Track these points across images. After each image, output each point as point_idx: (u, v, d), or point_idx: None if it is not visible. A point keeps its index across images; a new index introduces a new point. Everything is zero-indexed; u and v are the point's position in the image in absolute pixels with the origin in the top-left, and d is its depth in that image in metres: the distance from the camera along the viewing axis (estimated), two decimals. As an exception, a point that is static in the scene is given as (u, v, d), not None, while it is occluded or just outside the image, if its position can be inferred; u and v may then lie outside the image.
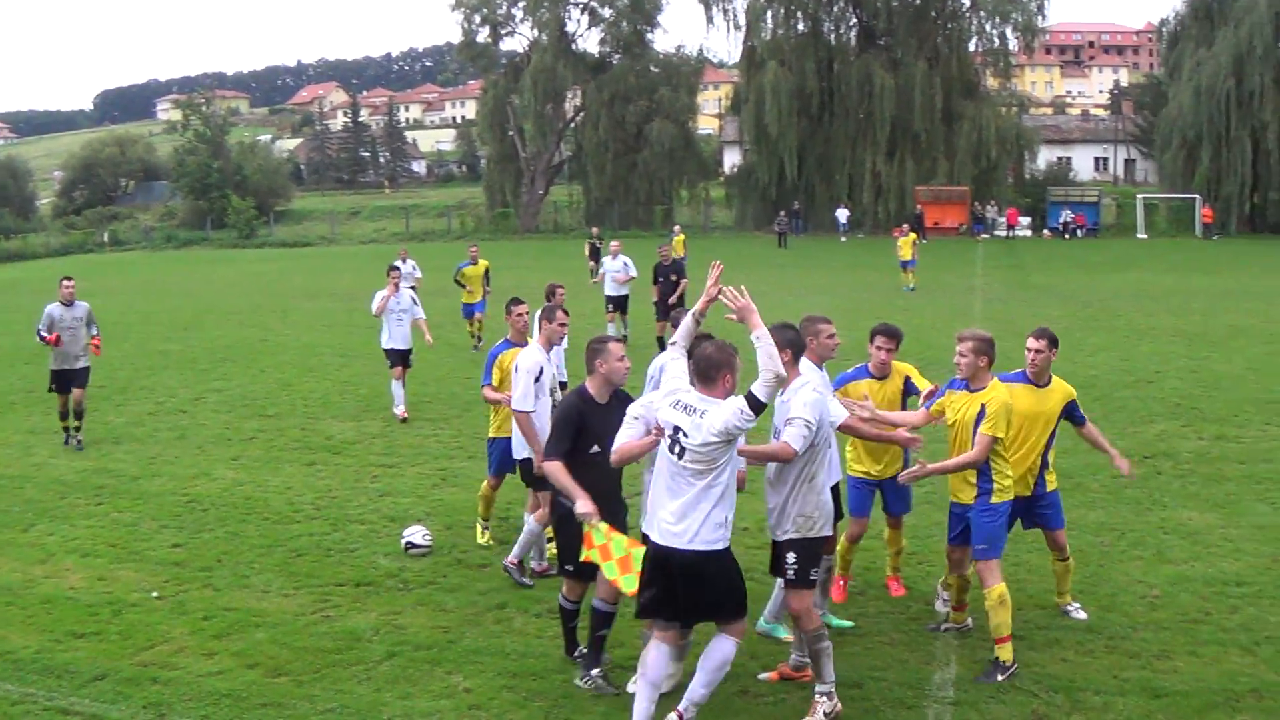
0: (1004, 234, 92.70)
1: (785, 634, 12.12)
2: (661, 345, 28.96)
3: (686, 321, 10.65)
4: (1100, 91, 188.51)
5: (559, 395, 14.10)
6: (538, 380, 13.64)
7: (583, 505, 10.76)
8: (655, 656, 10.04)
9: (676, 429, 9.82)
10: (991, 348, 11.80)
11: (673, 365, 10.36)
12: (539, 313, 14.42)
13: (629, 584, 10.38)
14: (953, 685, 11.40)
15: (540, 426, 13.39)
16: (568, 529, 11.39)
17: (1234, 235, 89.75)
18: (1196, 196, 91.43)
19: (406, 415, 24.18)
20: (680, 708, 9.97)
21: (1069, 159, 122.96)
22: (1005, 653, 11.47)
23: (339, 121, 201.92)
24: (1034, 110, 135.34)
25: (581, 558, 10.99)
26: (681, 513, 9.74)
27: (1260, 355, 31.40)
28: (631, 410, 10.59)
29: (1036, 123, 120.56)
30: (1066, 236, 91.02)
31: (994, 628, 11.56)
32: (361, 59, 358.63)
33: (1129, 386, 26.71)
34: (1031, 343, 12.69)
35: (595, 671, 11.33)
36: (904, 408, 13.21)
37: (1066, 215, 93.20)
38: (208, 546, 16.10)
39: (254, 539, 16.39)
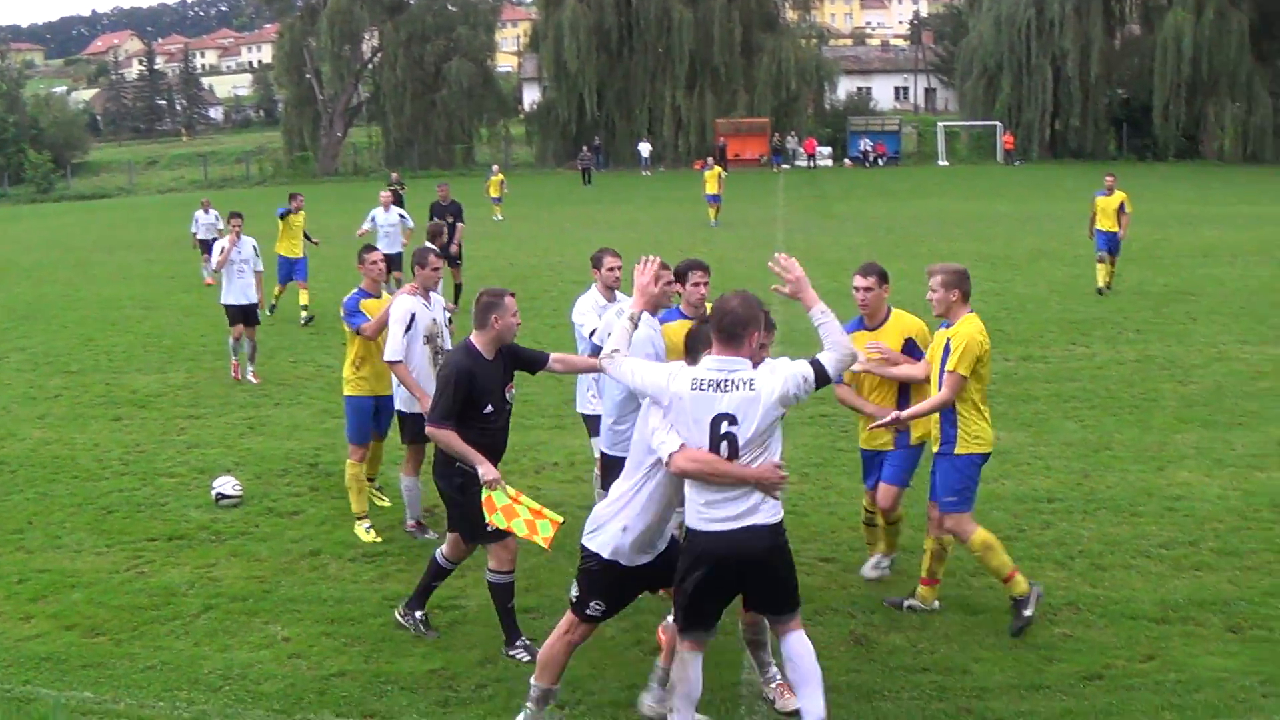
0: (805, 164, 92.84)
1: None
2: (458, 293, 28.39)
3: (624, 325, 9.01)
4: (900, 22, 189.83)
5: (443, 342, 13.57)
6: (409, 329, 13.13)
7: (486, 470, 10.10)
8: (696, 671, 8.61)
9: (719, 418, 8.14)
10: (964, 280, 10.95)
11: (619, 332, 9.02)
12: (414, 264, 13.75)
13: (545, 529, 9.96)
14: None
15: (415, 376, 13.11)
16: (472, 499, 10.32)
17: (1035, 161, 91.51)
18: (997, 124, 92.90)
19: (257, 379, 22.14)
20: None
21: (869, 89, 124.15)
22: (1018, 588, 10.84)
23: (135, 70, 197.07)
24: (834, 42, 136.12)
25: (486, 520, 10.27)
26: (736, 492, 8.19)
27: (1063, 278, 32.00)
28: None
29: (836, 54, 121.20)
30: (868, 165, 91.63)
31: (994, 572, 10.94)
32: (156, 5, 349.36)
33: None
34: (859, 280, 11.59)
35: (419, 614, 11.08)
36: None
37: (867, 144, 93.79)
38: (17, 508, 15.37)
39: (64, 498, 15.72)
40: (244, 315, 22.22)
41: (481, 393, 10.27)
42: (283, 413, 19.77)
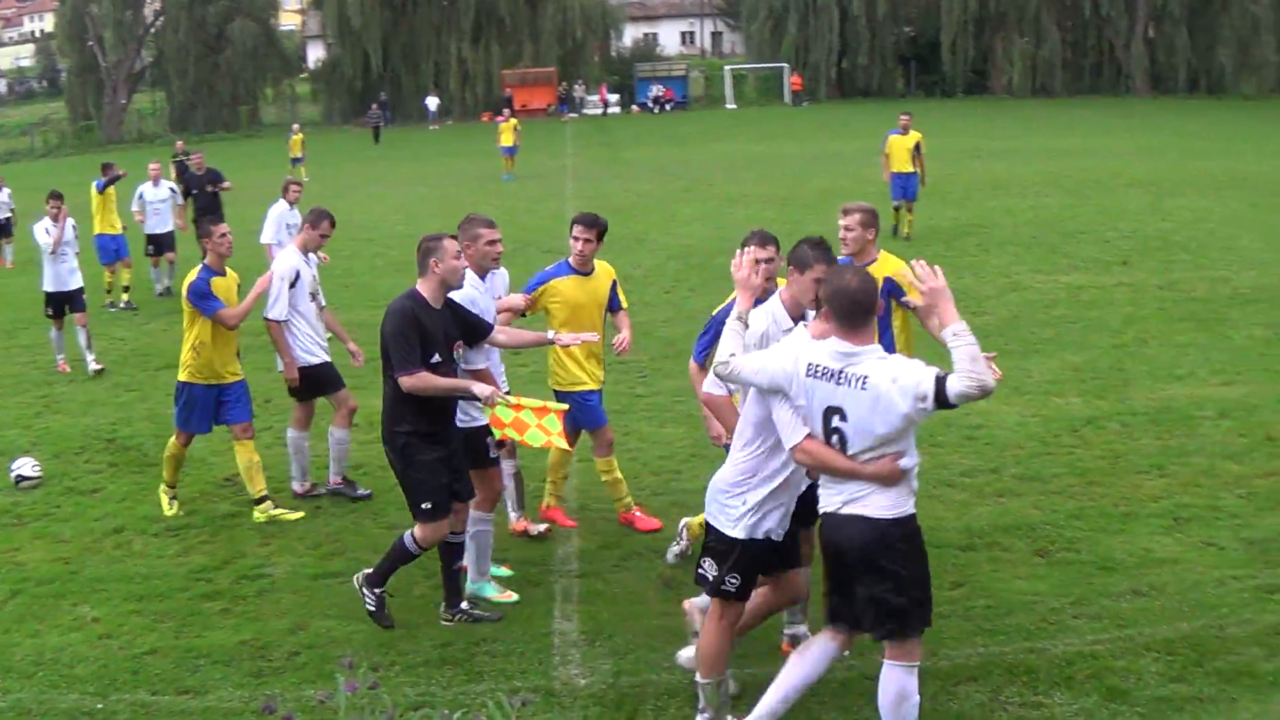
0: (594, 112, 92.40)
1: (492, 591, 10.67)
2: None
3: (734, 328, 7.83)
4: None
5: (321, 298, 13.50)
6: (293, 286, 12.93)
7: (479, 388, 9.63)
8: (814, 653, 7.87)
9: (830, 411, 7.38)
10: (877, 219, 10.53)
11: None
12: (305, 222, 13.60)
13: (553, 424, 9.80)
14: (576, 558, 11.38)
15: (305, 332, 13.06)
16: (418, 469, 9.80)
17: (823, 101, 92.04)
18: (784, 65, 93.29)
19: (100, 365, 20.09)
20: None
21: (655, 35, 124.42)
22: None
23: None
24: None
25: (498, 437, 10.20)
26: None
27: None
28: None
29: (622, 1, 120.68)
30: (656, 111, 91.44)
31: None
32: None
33: (724, 253, 25.69)
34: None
35: (464, 605, 10.28)
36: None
37: (656, 90, 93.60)
38: None
39: None
40: (69, 301, 20.22)
41: (428, 341, 9.66)
42: (78, 389, 19.04)
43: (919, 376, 7.10)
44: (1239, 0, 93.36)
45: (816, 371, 7.30)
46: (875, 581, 7.36)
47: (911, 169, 28.96)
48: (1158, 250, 25.44)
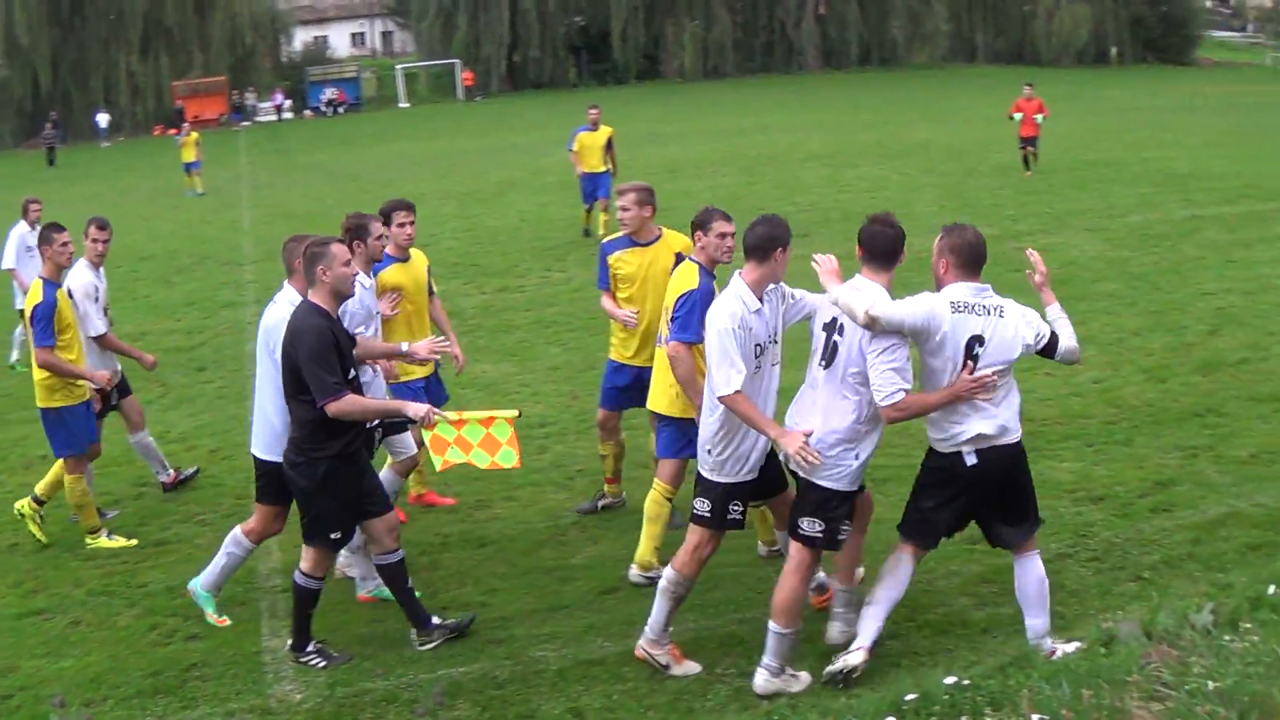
0: (267, 119, 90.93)
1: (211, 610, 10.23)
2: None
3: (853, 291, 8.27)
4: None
5: (111, 314, 13.10)
6: (96, 301, 12.45)
7: (414, 408, 9.12)
8: (907, 572, 8.70)
9: (973, 340, 8.20)
10: (653, 196, 11.04)
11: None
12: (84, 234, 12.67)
13: (508, 458, 9.45)
14: (280, 573, 11.04)
15: (106, 350, 12.56)
16: (334, 497, 9.07)
17: (496, 95, 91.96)
18: (456, 61, 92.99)
19: None
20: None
21: (326, 38, 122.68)
22: None
23: None
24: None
25: (439, 466, 9.52)
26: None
27: (531, 208, 32.21)
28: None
29: (291, 4, 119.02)
30: (330, 115, 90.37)
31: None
32: None
33: None
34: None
35: (311, 648, 9.48)
36: None
37: (328, 93, 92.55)
38: None
39: None
40: None
41: (345, 358, 8.93)
42: None
43: (1040, 321, 8.44)
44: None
45: (961, 306, 8.14)
46: (1018, 496, 8.48)
47: (604, 168, 27.23)
48: (837, 221, 26.00)
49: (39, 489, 12.36)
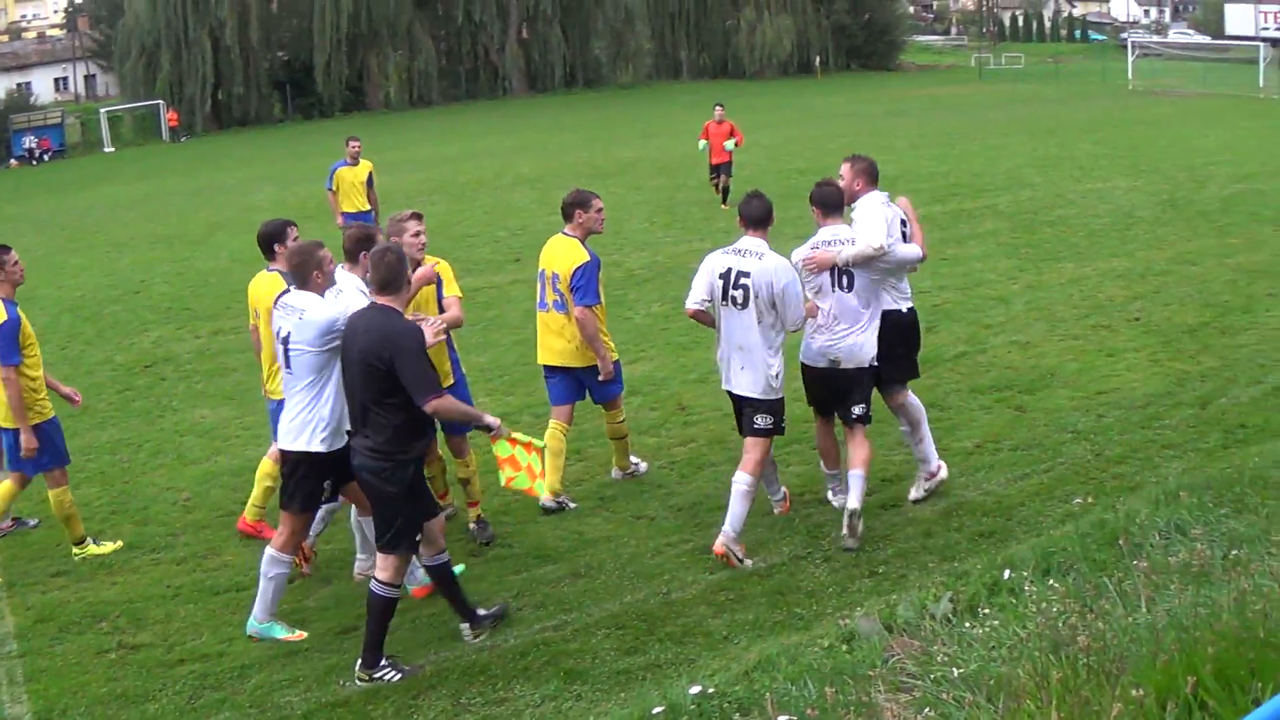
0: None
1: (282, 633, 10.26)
2: None
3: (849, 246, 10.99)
4: (55, 11, 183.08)
5: None
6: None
7: (491, 419, 9.66)
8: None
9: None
10: (420, 220, 11.30)
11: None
12: None
13: (541, 488, 10.35)
14: (14, 638, 10.71)
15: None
16: (421, 499, 9.43)
17: (201, 134, 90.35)
18: (160, 102, 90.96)
19: None
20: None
21: (29, 84, 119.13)
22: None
23: None
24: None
25: (504, 481, 10.03)
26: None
27: (241, 247, 30.99)
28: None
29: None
30: (35, 163, 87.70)
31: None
32: None
33: (117, 300, 25.85)
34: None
35: (385, 661, 9.39)
36: None
37: (30, 141, 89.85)
38: None
39: None
40: None
41: None
42: None
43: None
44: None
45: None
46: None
47: (367, 207, 25.26)
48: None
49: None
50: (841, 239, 10.87)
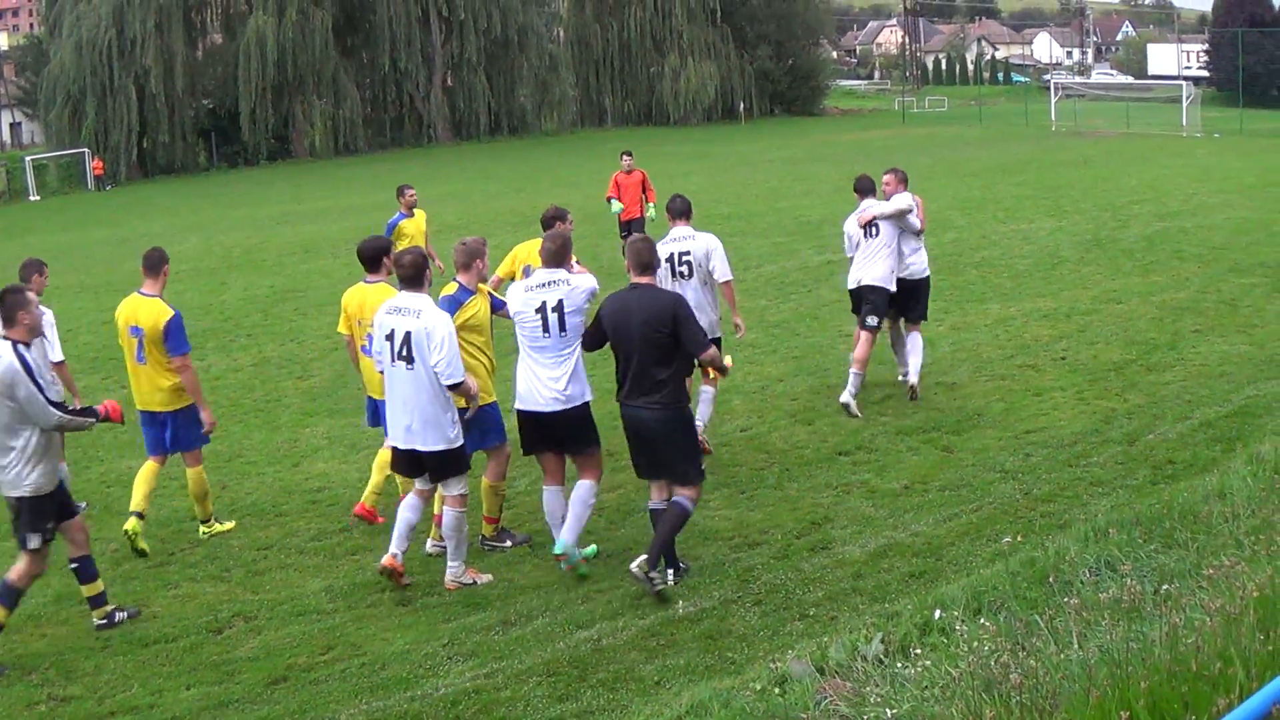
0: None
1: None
2: None
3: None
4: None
5: None
6: None
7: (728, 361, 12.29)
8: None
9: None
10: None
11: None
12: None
13: None
14: None
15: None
16: (694, 435, 11.46)
17: (126, 182, 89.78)
18: (85, 150, 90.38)
19: None
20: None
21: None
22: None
23: None
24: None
25: None
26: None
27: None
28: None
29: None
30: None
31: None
32: None
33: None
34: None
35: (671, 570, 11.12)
36: None
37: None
38: None
39: None
40: None
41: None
42: None
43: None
44: (536, 40, 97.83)
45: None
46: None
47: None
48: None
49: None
50: (873, 207, 16.38)
